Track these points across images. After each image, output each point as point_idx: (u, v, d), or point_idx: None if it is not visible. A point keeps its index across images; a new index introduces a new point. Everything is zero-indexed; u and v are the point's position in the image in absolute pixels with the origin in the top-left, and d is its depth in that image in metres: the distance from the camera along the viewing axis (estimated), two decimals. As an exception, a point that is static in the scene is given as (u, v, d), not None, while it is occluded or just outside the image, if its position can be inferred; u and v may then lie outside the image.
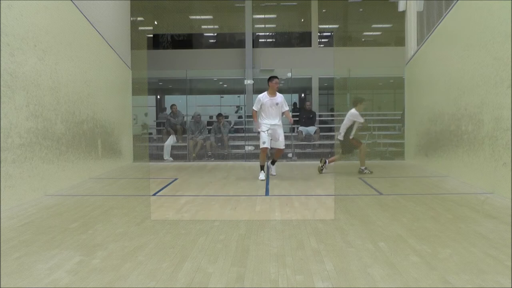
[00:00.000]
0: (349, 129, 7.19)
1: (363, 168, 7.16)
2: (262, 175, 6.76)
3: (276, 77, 6.76)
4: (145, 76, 12.29)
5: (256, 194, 5.45)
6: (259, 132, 7.02)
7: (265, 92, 6.78)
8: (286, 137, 11.24)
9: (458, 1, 6.47)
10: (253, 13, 15.63)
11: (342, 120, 7.43)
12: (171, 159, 10.62)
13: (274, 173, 7.18)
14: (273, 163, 7.29)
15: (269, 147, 6.80)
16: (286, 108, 6.84)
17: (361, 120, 7.12)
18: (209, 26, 17.98)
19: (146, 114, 14.23)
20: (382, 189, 5.60)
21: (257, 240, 3.26)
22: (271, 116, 6.72)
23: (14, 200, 4.59)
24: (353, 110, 7.16)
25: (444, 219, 3.88)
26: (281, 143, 6.84)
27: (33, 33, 5.14)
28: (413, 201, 4.73)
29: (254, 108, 6.84)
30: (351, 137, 7.22)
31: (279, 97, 6.76)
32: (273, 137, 6.80)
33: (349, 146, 7.32)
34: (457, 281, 2.38)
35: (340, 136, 7.32)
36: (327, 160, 7.37)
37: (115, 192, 5.73)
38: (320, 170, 7.29)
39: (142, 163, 9.77)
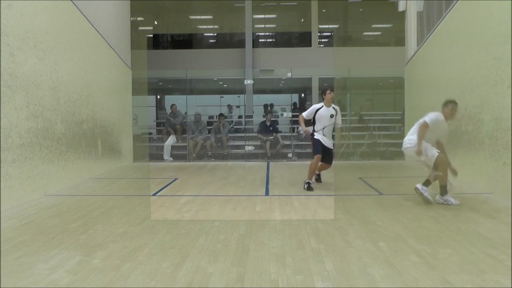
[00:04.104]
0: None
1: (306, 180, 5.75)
2: (451, 198, 4.73)
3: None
4: (145, 76, 12.29)
5: (256, 194, 5.45)
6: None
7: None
8: (286, 137, 11.38)
9: (458, 1, 6.47)
10: (253, 13, 15.63)
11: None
12: (171, 159, 10.62)
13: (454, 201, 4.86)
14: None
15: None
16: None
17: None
18: (209, 26, 17.98)
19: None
20: (382, 189, 5.60)
21: (257, 240, 3.25)
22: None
23: (14, 200, 4.59)
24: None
25: (444, 219, 3.88)
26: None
27: (33, 33, 5.14)
28: (413, 201, 4.72)
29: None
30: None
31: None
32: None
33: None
34: (457, 281, 2.38)
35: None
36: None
37: (115, 192, 5.73)
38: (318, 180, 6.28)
39: (142, 163, 9.77)
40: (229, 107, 15.43)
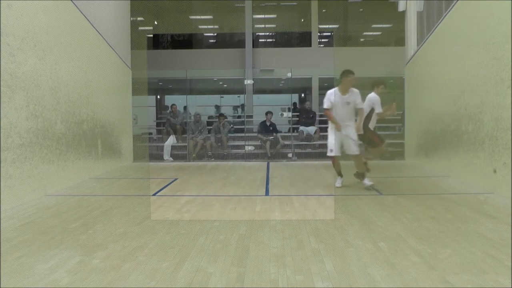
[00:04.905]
0: (367, 119, 5.91)
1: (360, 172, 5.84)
2: (338, 182, 5.93)
3: (352, 72, 5.66)
4: (145, 76, 12.28)
5: (256, 194, 5.45)
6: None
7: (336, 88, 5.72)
8: (286, 137, 11.37)
9: (458, 1, 6.47)
10: (253, 13, 15.63)
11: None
12: (171, 159, 10.62)
13: (370, 183, 5.66)
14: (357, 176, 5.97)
15: (336, 155, 5.67)
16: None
17: (380, 109, 5.92)
18: (209, 26, 17.99)
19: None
20: (382, 189, 5.59)
21: (257, 240, 3.26)
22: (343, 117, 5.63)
23: (14, 200, 4.59)
24: (372, 94, 5.95)
25: (444, 219, 3.88)
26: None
27: (33, 33, 5.14)
28: (413, 201, 4.72)
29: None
30: (372, 128, 5.98)
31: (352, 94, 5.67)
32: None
33: (368, 140, 6.01)
34: (457, 281, 2.38)
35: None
36: (359, 172, 5.99)
37: (115, 192, 5.73)
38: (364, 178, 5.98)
39: (142, 163, 9.76)
40: (217, 107, 15.52)
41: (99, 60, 7.68)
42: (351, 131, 5.63)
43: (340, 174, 5.97)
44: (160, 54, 15.65)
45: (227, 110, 16.14)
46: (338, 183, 5.96)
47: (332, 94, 5.64)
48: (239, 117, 14.37)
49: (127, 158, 9.69)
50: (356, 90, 5.70)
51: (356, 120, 5.80)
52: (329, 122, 5.74)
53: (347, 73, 5.60)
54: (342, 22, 17.01)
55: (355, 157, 5.69)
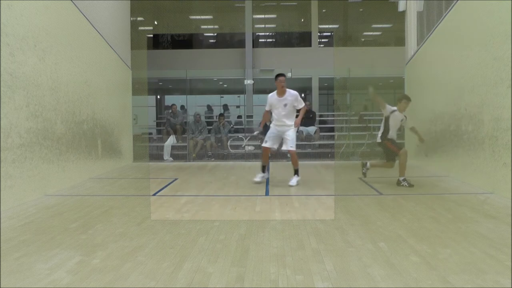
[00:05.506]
0: (386, 131, 6.01)
1: (401, 178, 5.89)
2: (257, 177, 6.28)
3: (282, 74, 6.12)
4: (145, 76, 12.30)
5: (256, 194, 5.45)
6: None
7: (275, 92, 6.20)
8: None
9: (458, 1, 6.47)
10: (253, 13, 15.65)
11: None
12: (171, 159, 10.62)
13: (292, 183, 6.03)
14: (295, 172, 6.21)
15: (270, 147, 6.17)
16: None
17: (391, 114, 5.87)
18: (209, 26, 18.01)
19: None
20: (382, 189, 5.60)
21: (257, 240, 3.25)
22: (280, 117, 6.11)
23: (14, 200, 4.59)
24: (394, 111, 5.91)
25: (444, 219, 3.88)
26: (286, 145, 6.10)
27: (33, 33, 5.14)
28: (413, 201, 4.72)
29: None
30: (391, 137, 6.02)
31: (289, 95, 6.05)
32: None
33: (386, 150, 6.08)
34: (457, 281, 2.38)
35: (378, 138, 6.15)
36: (368, 163, 6.37)
37: (115, 192, 5.73)
38: (364, 175, 6.40)
39: (142, 163, 9.77)
40: (209, 107, 15.53)
41: (99, 60, 7.68)
42: (289, 131, 6.04)
43: (263, 169, 6.30)
44: (160, 54, 15.67)
45: (221, 110, 16.17)
46: (258, 177, 6.19)
47: (270, 97, 6.12)
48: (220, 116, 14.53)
49: (127, 158, 9.69)
50: (293, 92, 6.04)
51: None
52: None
53: (277, 76, 6.01)
54: (342, 22, 17.03)
55: (290, 152, 6.07)
